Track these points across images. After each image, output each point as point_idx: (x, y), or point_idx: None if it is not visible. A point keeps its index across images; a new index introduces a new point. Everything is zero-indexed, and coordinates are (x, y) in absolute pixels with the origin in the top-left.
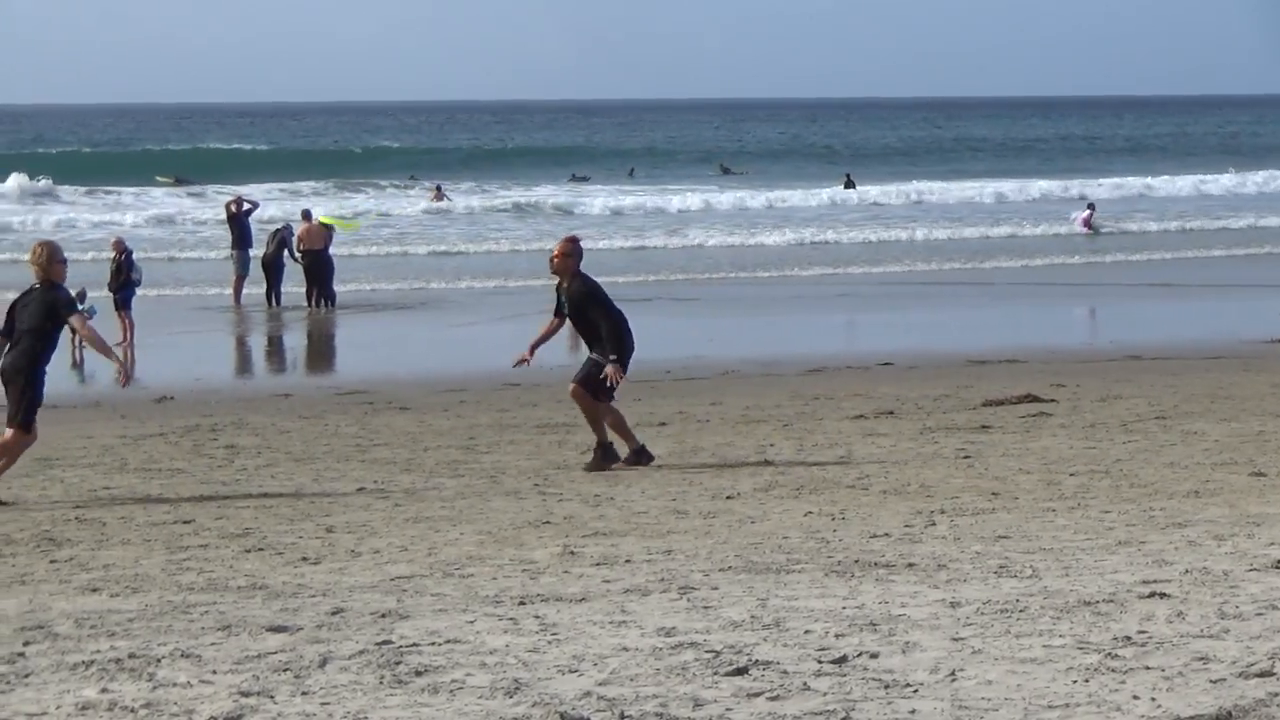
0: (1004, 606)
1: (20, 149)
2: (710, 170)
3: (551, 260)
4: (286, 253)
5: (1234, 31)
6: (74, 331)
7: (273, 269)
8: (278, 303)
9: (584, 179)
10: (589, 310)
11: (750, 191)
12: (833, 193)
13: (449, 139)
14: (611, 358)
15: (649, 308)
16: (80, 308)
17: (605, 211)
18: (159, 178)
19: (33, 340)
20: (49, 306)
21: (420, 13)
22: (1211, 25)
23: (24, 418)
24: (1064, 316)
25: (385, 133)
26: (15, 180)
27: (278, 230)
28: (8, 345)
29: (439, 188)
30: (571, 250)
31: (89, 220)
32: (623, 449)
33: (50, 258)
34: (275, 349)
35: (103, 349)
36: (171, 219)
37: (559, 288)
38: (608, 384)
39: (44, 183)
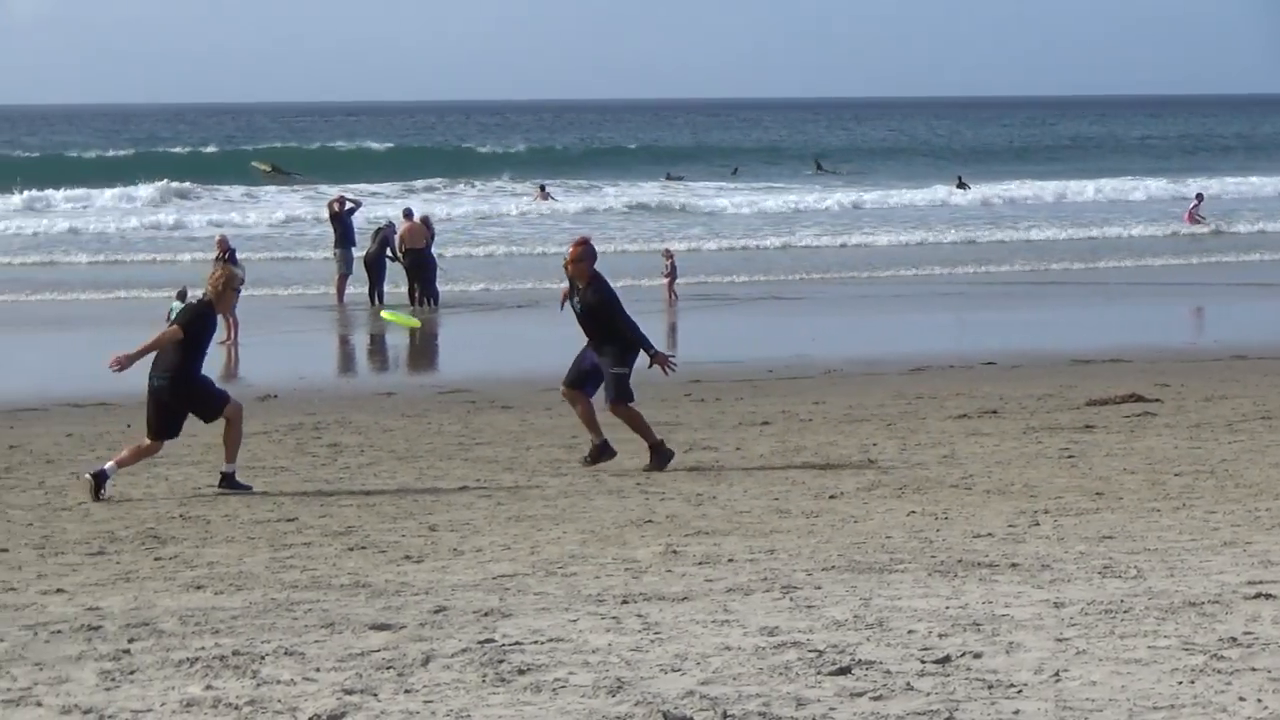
0: (1108, 607)
1: (141, 148)
2: (806, 169)
3: (566, 265)
4: (388, 251)
5: None
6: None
7: (375, 268)
8: (380, 301)
9: (679, 179)
10: (604, 315)
11: (860, 190)
12: (945, 193)
13: (556, 138)
14: (648, 352)
15: (753, 307)
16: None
17: (712, 210)
18: (255, 164)
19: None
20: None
21: (518, 12)
22: None
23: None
24: (1169, 316)
25: (493, 132)
26: (155, 187)
27: (379, 229)
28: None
29: (543, 187)
30: (585, 254)
31: (234, 220)
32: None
33: (227, 284)
34: (378, 347)
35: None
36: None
37: (572, 291)
38: (667, 367)
39: (184, 184)
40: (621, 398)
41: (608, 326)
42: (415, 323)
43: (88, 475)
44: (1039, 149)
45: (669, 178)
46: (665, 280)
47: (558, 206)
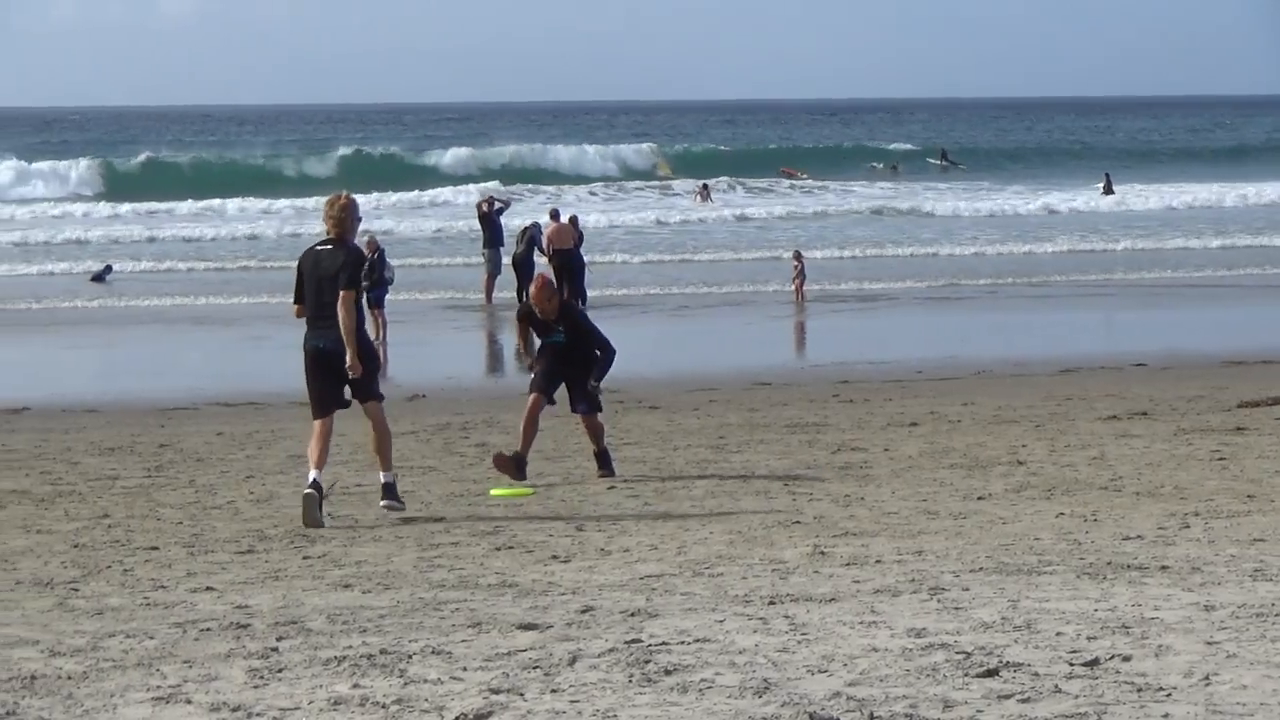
0: (1260, 610)
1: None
2: (932, 158)
3: (537, 306)
4: (536, 251)
5: None
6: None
7: (523, 268)
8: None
9: (802, 175)
10: (587, 340)
11: (1024, 195)
12: (1087, 196)
13: (757, 137)
14: (595, 383)
15: (903, 308)
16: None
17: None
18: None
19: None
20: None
21: (728, 12)
22: None
23: (375, 389)
24: None
25: (701, 131)
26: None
27: (526, 229)
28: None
29: (705, 186)
30: (550, 291)
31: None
32: (510, 450)
33: (351, 212)
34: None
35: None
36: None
37: (541, 328)
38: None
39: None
40: (597, 409)
41: (589, 349)
42: (528, 492)
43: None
44: (1194, 152)
45: (781, 174)
46: (795, 283)
47: (722, 211)
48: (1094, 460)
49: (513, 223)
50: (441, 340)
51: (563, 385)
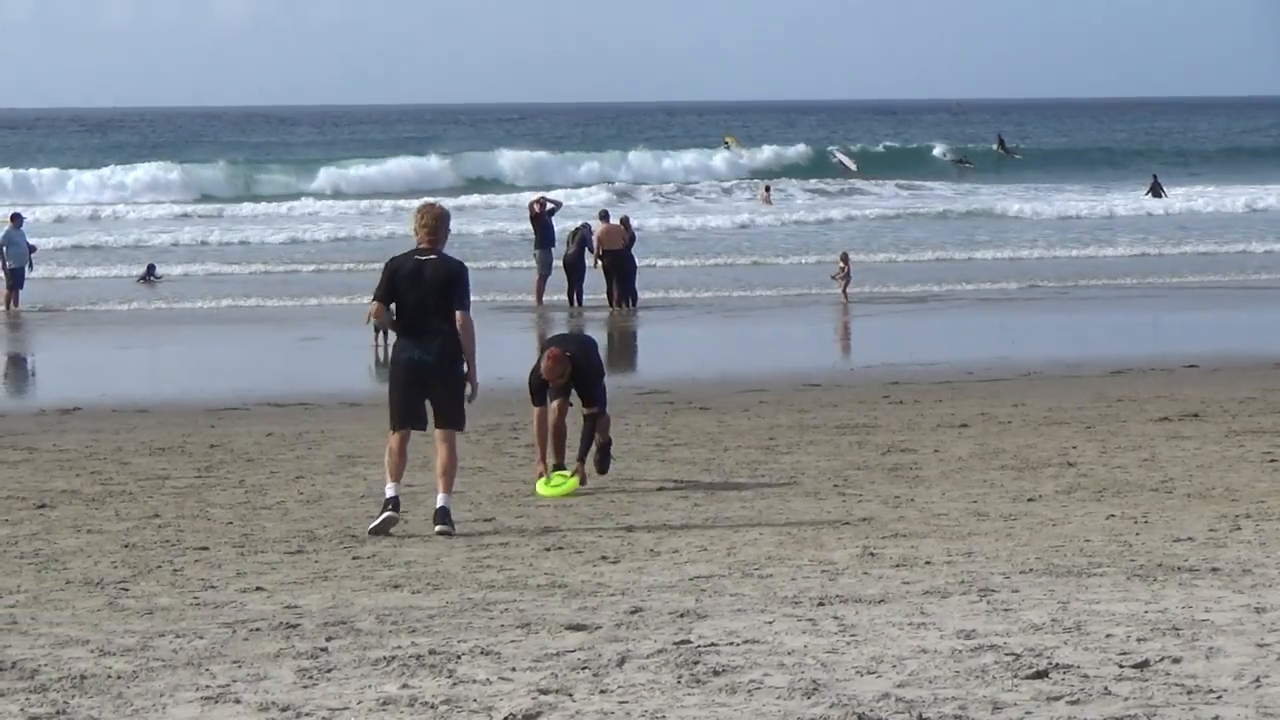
0: None
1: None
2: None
3: (553, 378)
4: (587, 251)
5: None
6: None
7: (574, 269)
8: (579, 303)
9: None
10: (597, 387)
11: (1085, 198)
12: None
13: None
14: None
15: (956, 309)
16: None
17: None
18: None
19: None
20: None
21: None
22: None
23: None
24: None
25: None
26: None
27: (577, 229)
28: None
29: (768, 188)
30: (562, 367)
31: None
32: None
33: (444, 221)
34: None
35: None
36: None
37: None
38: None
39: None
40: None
41: (595, 393)
42: (572, 485)
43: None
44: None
45: (961, 161)
46: (841, 283)
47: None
48: (1145, 462)
49: (563, 224)
50: (492, 341)
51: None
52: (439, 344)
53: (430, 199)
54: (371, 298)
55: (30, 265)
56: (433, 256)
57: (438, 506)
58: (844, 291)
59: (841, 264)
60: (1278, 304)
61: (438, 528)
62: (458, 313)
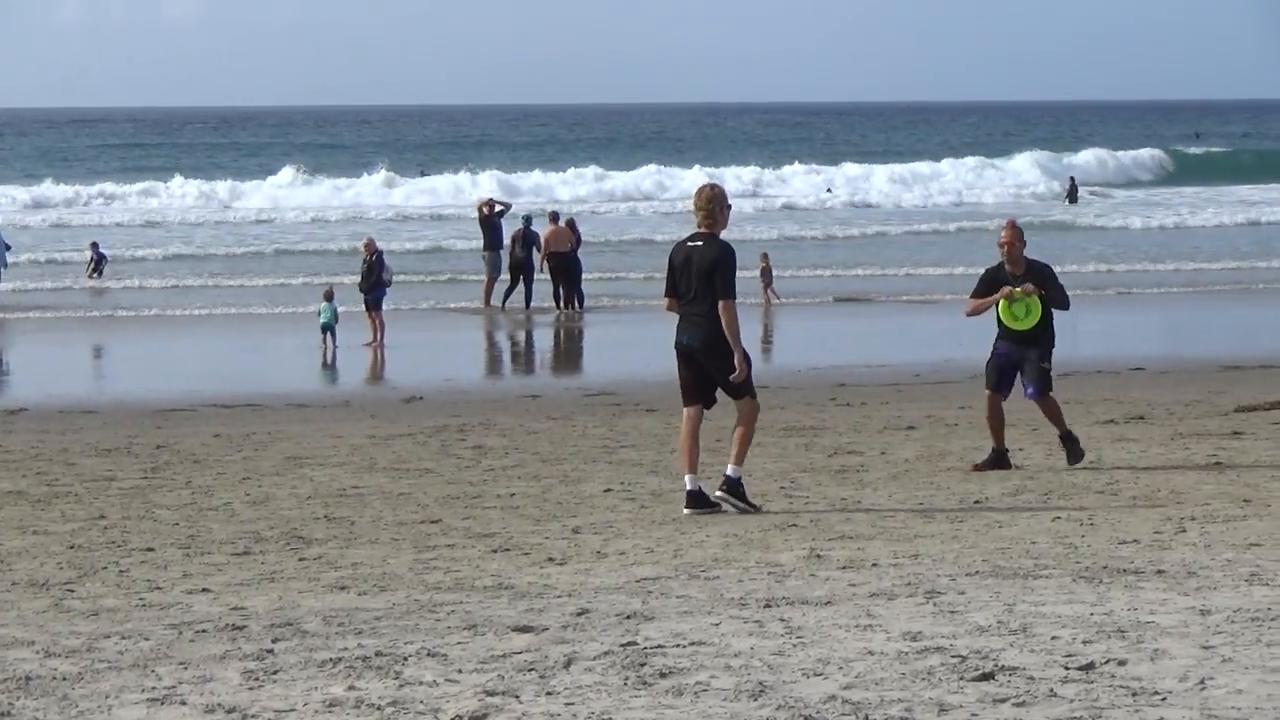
0: (1255, 615)
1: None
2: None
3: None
4: (535, 251)
5: None
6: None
7: (523, 270)
8: (527, 304)
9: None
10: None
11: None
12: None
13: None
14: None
15: (897, 310)
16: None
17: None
18: None
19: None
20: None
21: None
22: None
23: (750, 388)
24: None
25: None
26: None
27: (520, 230)
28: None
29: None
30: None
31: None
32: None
33: (721, 203)
34: (524, 350)
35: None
36: None
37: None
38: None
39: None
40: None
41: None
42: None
43: (719, 494)
44: None
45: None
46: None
47: None
48: (1091, 464)
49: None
50: (440, 342)
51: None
52: (702, 328)
53: (709, 181)
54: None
55: (4, 263)
56: (700, 242)
57: (726, 475)
58: (767, 291)
59: (762, 263)
60: (1224, 306)
61: (718, 493)
62: (720, 300)
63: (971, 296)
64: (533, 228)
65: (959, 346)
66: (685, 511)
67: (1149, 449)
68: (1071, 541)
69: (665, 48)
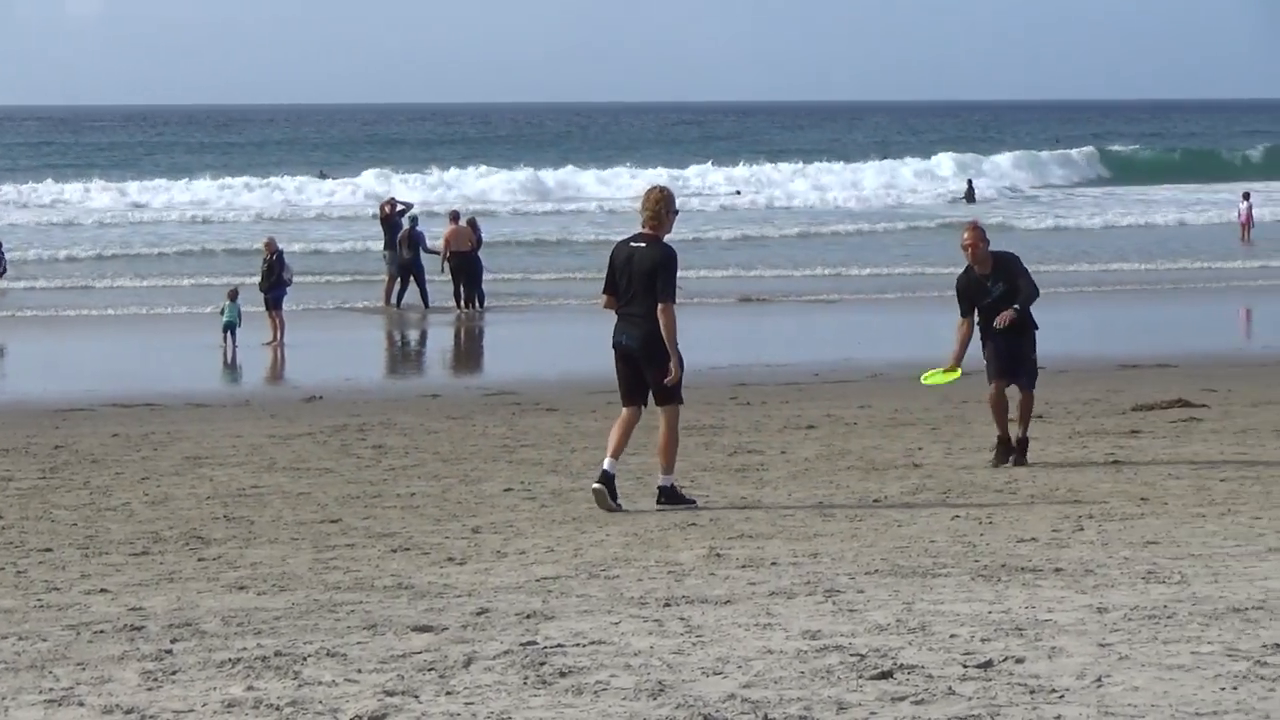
0: (1152, 612)
1: None
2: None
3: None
4: (422, 251)
5: None
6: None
7: (413, 269)
8: (399, 302)
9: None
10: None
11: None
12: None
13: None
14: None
15: (798, 310)
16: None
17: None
18: None
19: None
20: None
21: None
22: None
23: (678, 393)
24: (1217, 319)
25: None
26: None
27: (406, 231)
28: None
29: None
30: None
31: None
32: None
33: (668, 205)
34: (424, 350)
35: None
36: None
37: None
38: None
39: None
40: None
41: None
42: (955, 374)
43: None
44: None
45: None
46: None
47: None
48: (988, 463)
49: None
50: (340, 341)
51: None
52: (640, 329)
53: (655, 184)
54: (603, 289)
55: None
56: (643, 244)
57: (659, 486)
58: None
59: None
60: (1121, 306)
61: (658, 506)
62: (660, 302)
63: (965, 314)
64: (418, 228)
65: (858, 346)
66: (594, 486)
67: (1047, 447)
68: (970, 540)
69: (556, 46)
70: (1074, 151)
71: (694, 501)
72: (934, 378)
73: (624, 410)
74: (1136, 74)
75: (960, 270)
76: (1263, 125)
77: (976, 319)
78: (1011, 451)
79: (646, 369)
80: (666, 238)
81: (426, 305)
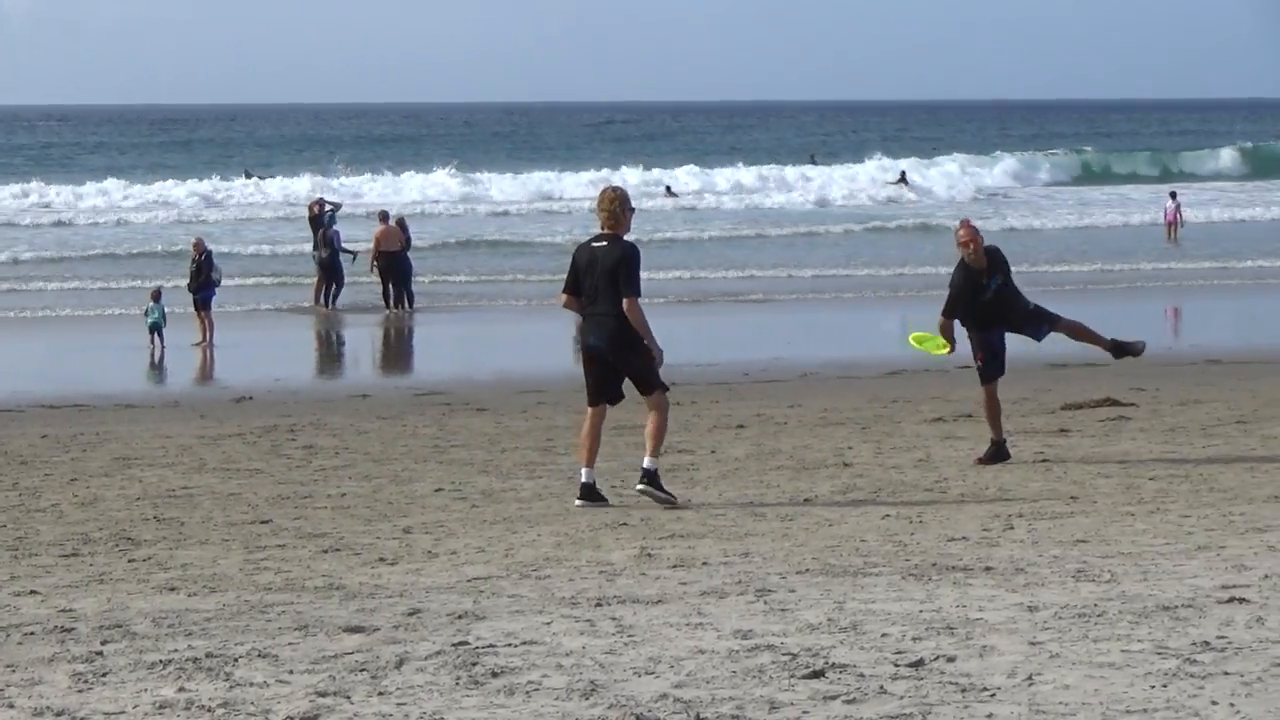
0: (1082, 611)
1: None
2: None
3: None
4: (341, 252)
5: None
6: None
7: (331, 270)
8: (333, 304)
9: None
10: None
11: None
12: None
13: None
14: None
15: (734, 309)
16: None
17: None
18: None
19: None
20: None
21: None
22: None
23: (660, 380)
24: (1144, 319)
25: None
26: None
27: (323, 231)
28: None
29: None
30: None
31: None
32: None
33: (624, 204)
34: (354, 350)
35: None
36: None
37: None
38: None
39: None
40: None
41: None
42: (945, 349)
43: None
44: None
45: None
46: None
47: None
48: (919, 462)
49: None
50: (269, 342)
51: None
52: (609, 326)
53: (610, 185)
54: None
55: None
56: (605, 243)
57: (644, 468)
58: None
59: None
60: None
61: (639, 486)
62: (625, 299)
63: (951, 315)
64: (335, 227)
65: (787, 346)
66: (576, 503)
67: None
68: (901, 539)
69: (486, 45)
70: (1014, 155)
71: (673, 497)
72: (926, 344)
73: (589, 411)
74: (1092, 74)
75: (954, 268)
76: (1220, 126)
77: (973, 316)
78: (1002, 454)
79: (621, 364)
80: (627, 236)
81: (333, 305)
